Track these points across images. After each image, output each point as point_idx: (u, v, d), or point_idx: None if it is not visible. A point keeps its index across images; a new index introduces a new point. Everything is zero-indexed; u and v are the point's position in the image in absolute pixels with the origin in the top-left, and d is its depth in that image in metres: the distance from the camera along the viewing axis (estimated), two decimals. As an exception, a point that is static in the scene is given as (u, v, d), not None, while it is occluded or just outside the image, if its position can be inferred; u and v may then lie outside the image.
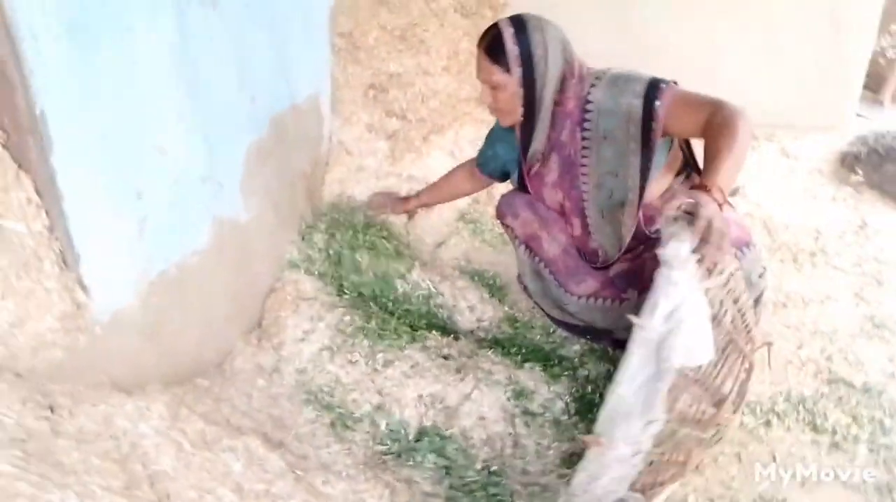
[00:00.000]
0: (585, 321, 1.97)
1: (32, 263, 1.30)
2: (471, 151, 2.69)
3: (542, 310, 2.09)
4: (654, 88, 1.63)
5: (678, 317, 1.22)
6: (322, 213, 2.25)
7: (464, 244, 2.42)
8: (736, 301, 1.43)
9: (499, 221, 2.07)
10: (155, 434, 1.33)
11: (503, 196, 2.04)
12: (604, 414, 1.29)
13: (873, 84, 3.94)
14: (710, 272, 1.28)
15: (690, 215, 1.29)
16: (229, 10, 1.71)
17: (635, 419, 1.27)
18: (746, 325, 1.51)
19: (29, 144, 1.25)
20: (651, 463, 1.37)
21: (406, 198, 2.30)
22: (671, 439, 1.39)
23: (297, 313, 1.91)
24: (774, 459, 1.73)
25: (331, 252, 2.12)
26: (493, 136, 2.05)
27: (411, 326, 1.93)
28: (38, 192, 1.29)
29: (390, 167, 2.46)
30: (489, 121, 2.74)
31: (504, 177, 2.11)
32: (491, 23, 2.84)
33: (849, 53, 3.37)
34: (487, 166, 2.11)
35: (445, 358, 1.85)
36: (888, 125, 3.61)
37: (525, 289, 2.09)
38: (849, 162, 3.32)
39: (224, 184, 1.76)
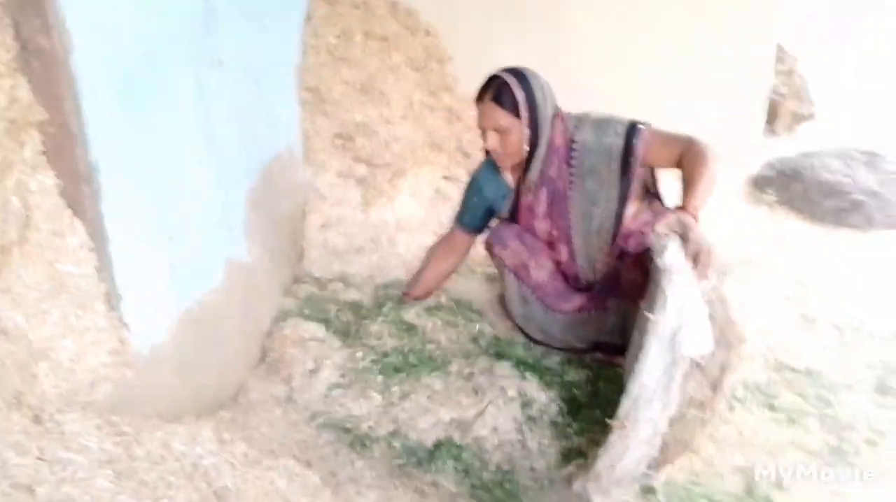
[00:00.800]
0: (566, 340, 2.18)
1: (87, 303, 1.40)
2: (429, 192, 2.90)
3: (525, 333, 2.26)
4: (633, 129, 1.94)
5: (686, 313, 1.46)
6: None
7: (435, 276, 2.60)
8: (722, 302, 1.67)
9: (488, 254, 2.23)
10: (210, 455, 1.43)
11: (492, 229, 2.23)
12: (627, 402, 1.49)
13: (769, 117, 4.43)
14: (700, 279, 1.55)
15: (680, 234, 1.61)
16: (230, 69, 1.87)
17: (656, 403, 1.48)
18: (731, 323, 1.76)
19: (82, 192, 1.37)
20: (664, 443, 1.58)
21: (416, 298, 2.29)
22: (681, 420, 1.60)
23: (304, 349, 2.02)
24: (742, 437, 1.96)
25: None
26: (477, 184, 2.20)
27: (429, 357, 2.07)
28: (89, 236, 1.40)
29: (363, 215, 2.63)
30: (443, 164, 2.99)
31: (484, 226, 2.26)
32: (439, 74, 3.13)
33: (751, 91, 3.81)
34: (471, 218, 2.23)
35: (466, 378, 1.98)
36: (787, 151, 4.08)
37: (509, 314, 2.27)
38: (761, 184, 3.74)
39: (233, 227, 1.89)
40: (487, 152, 2.15)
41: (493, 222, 2.26)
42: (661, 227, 1.61)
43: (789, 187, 3.61)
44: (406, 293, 2.31)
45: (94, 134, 1.32)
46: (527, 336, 2.26)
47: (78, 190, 1.36)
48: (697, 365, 1.56)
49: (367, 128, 2.70)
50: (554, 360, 2.21)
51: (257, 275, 2.04)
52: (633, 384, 1.47)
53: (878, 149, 3.92)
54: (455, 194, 2.98)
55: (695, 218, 1.66)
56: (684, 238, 1.60)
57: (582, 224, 2.07)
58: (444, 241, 2.31)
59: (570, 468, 1.75)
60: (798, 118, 4.83)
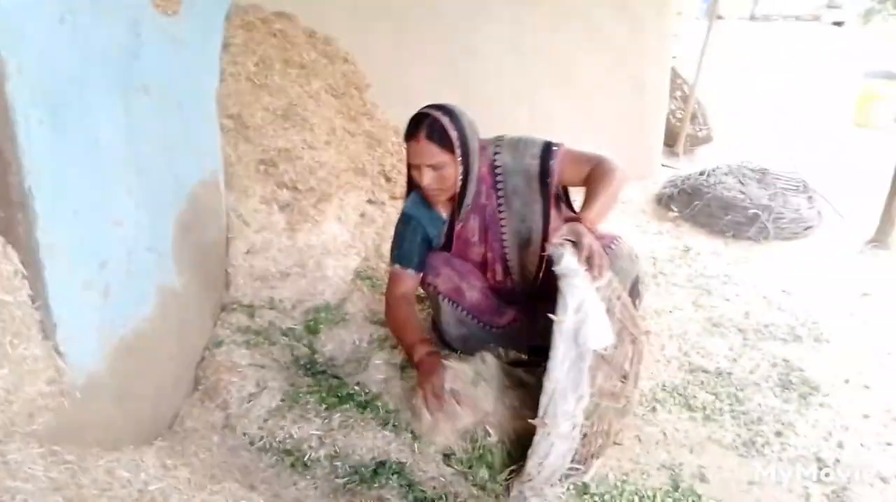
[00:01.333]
0: (506, 350, 2.26)
1: (22, 332, 1.37)
2: (354, 216, 2.94)
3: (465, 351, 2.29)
4: (547, 150, 2.04)
5: (584, 309, 1.58)
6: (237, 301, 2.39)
7: (365, 299, 2.63)
8: (619, 297, 1.80)
9: (422, 284, 2.21)
10: (156, 481, 1.41)
11: None
12: (544, 399, 1.58)
13: (669, 140, 4.71)
14: (595, 278, 1.68)
15: (572, 241, 1.72)
16: (155, 95, 1.87)
17: (569, 396, 1.58)
18: (632, 317, 1.88)
19: (17, 219, 1.34)
20: (584, 435, 1.67)
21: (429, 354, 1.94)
22: (596, 411, 1.70)
23: (239, 376, 2.01)
24: (665, 436, 2.09)
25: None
26: (415, 221, 2.16)
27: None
28: (23, 264, 1.37)
29: (289, 240, 2.63)
30: (367, 188, 3.04)
31: (423, 265, 2.18)
32: (358, 101, 3.19)
33: (650, 117, 4.06)
34: (419, 258, 2.14)
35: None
36: (686, 170, 4.36)
37: (442, 338, 2.30)
38: (665, 202, 3.98)
39: (163, 254, 1.87)
40: (411, 188, 2.17)
41: None
42: (556, 238, 1.72)
43: (690, 204, 3.86)
44: (419, 360, 1.94)
45: (29, 161, 1.30)
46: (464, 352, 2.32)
47: (12, 217, 1.33)
48: (603, 357, 1.67)
49: (290, 153, 2.72)
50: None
51: (188, 302, 2.02)
52: (547, 382, 1.56)
53: (767, 166, 4.24)
54: (379, 217, 3.03)
55: (589, 227, 1.76)
56: (578, 244, 1.71)
57: (515, 241, 2.16)
58: (401, 294, 2.10)
59: (504, 475, 1.82)
60: (696, 140, 5.16)
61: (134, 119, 1.72)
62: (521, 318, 2.23)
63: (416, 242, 2.15)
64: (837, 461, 2.01)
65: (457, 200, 2.10)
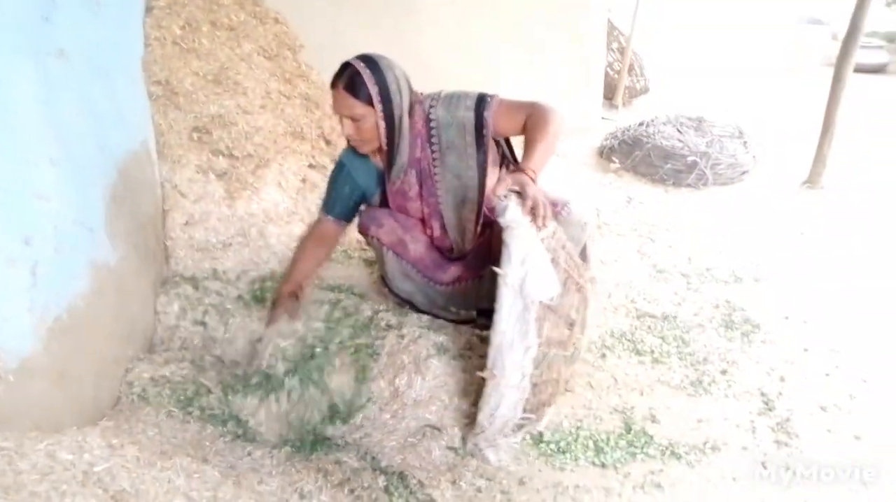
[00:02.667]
0: (454, 309, 2.25)
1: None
2: (295, 181, 2.87)
3: (412, 305, 2.31)
4: (482, 101, 2.01)
5: (529, 261, 1.58)
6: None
7: (310, 265, 2.58)
8: (564, 247, 1.80)
9: (363, 236, 2.24)
10: (101, 461, 1.37)
11: (363, 212, 2.23)
12: (492, 351, 1.59)
13: (608, 92, 4.73)
14: (539, 229, 1.67)
15: (517, 193, 1.71)
16: (73, 60, 1.77)
17: (517, 347, 1.59)
18: (577, 265, 1.89)
19: (-73, 196, 1.26)
20: (534, 384, 1.69)
21: (289, 294, 2.15)
22: (545, 360, 1.72)
23: (187, 349, 1.96)
24: (616, 380, 2.12)
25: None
26: (345, 171, 2.19)
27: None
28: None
29: (228, 209, 2.55)
30: (307, 152, 2.97)
31: (354, 214, 2.25)
32: (292, 63, 3.09)
33: (588, 69, 4.06)
34: (342, 207, 2.21)
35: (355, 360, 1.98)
36: (626, 121, 4.40)
37: (392, 292, 2.30)
38: (606, 154, 4.01)
39: (94, 228, 1.79)
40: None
41: (362, 207, 2.27)
42: (499, 190, 1.70)
43: (631, 154, 3.90)
44: (278, 293, 2.18)
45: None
46: (414, 308, 2.31)
47: (-79, 194, 1.26)
48: (549, 307, 1.67)
49: (223, 119, 2.62)
50: (447, 331, 2.27)
51: (125, 277, 1.95)
52: (494, 334, 1.57)
53: (704, 114, 4.31)
54: (321, 182, 2.96)
55: (531, 177, 1.75)
56: (522, 195, 1.70)
57: (450, 198, 2.14)
58: (313, 233, 2.26)
59: (457, 430, 1.82)
60: (634, 91, 5.20)
61: (51, 85, 1.62)
62: (465, 278, 2.21)
63: (342, 192, 2.21)
64: (780, 394, 2.08)
65: (387, 155, 2.07)
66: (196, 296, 2.23)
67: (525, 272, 1.58)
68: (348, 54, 3.17)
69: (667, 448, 1.85)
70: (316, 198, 2.90)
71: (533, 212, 1.68)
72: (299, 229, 2.75)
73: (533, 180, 1.76)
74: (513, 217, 1.63)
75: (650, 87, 5.36)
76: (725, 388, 2.11)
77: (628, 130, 4.12)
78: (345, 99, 1.96)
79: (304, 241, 2.27)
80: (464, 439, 1.78)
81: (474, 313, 2.24)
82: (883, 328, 2.46)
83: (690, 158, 3.77)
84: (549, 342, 1.71)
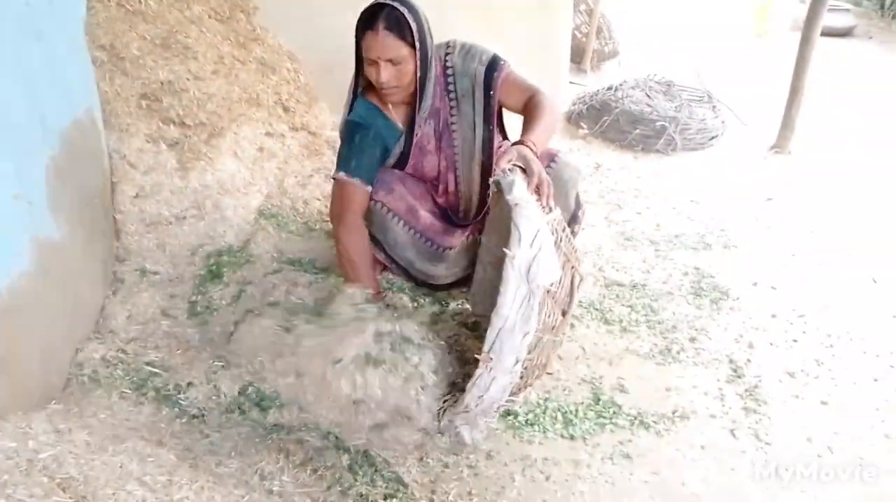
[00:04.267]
0: (452, 273, 2.21)
1: None
2: (252, 150, 2.76)
3: (408, 275, 2.24)
4: (495, 62, 2.01)
5: (538, 242, 1.51)
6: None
7: (271, 239, 2.49)
8: (563, 229, 1.75)
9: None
10: (47, 447, 1.30)
11: None
12: (491, 334, 1.52)
13: (575, 56, 4.65)
14: (543, 208, 1.62)
15: (520, 167, 1.66)
16: (7, 23, 1.65)
17: (517, 333, 1.53)
18: (574, 248, 1.84)
19: None
20: (524, 369, 1.64)
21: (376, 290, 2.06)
22: (538, 346, 1.66)
23: (142, 327, 1.88)
24: (584, 351, 2.09)
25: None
26: (372, 135, 2.02)
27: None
28: None
29: (181, 181, 2.44)
30: (263, 119, 2.85)
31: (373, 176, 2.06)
32: (246, 25, 2.96)
33: (555, 32, 3.95)
34: (369, 168, 2.02)
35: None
36: (595, 86, 4.33)
37: (390, 258, 2.18)
38: (574, 119, 3.95)
39: (34, 202, 1.68)
40: (356, 92, 2.06)
41: None
42: (504, 163, 1.64)
43: (600, 119, 3.85)
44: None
45: None
46: (410, 278, 2.26)
47: None
48: (548, 292, 1.62)
49: (174, 86, 2.48)
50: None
51: (72, 253, 1.85)
52: (496, 318, 1.50)
53: (673, 78, 4.26)
54: (279, 151, 2.86)
55: (532, 150, 1.71)
56: (526, 171, 1.65)
57: (465, 149, 2.11)
58: (360, 214, 2.01)
59: (436, 405, 1.77)
60: (602, 55, 5.13)
61: (-21, 52, 1.51)
62: (468, 237, 2.19)
63: (375, 156, 2.04)
64: (749, 361, 2.08)
65: (417, 102, 2.00)
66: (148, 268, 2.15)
67: (533, 255, 1.51)
68: (306, 16, 3.05)
69: (635, 418, 1.83)
70: (274, 167, 2.80)
71: (538, 191, 1.64)
72: (257, 201, 2.65)
73: (535, 154, 1.71)
74: (520, 194, 1.57)
75: (619, 50, 5.28)
76: (694, 356, 2.09)
77: (596, 95, 4.06)
78: (387, 40, 1.85)
79: (360, 229, 2.03)
80: (438, 415, 1.73)
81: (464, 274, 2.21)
82: (849, 293, 2.46)
83: (659, 123, 3.73)
84: (544, 328, 1.67)
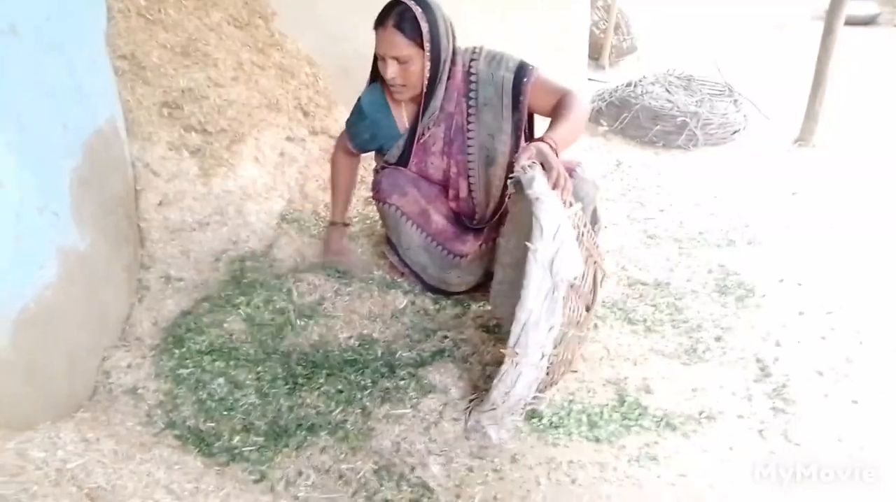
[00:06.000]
0: (465, 281, 2.22)
1: None
2: (273, 155, 2.77)
3: (420, 280, 2.26)
4: (523, 68, 2.00)
5: (560, 236, 1.51)
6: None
7: (294, 243, 2.50)
8: (585, 224, 1.74)
9: (380, 202, 2.16)
10: (75, 457, 1.32)
11: (384, 176, 2.15)
12: (516, 328, 1.53)
13: (594, 52, 4.62)
14: (565, 203, 1.61)
15: (540, 164, 1.65)
16: (27, 36, 1.67)
17: (542, 326, 1.54)
18: (595, 243, 1.83)
19: None
20: (550, 364, 1.64)
21: (339, 225, 2.41)
22: (563, 341, 1.66)
23: (169, 333, 1.90)
24: (608, 351, 2.07)
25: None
26: (366, 123, 2.16)
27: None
28: None
29: (204, 187, 2.45)
30: (283, 124, 2.87)
31: (364, 151, 2.30)
32: (265, 31, 2.98)
33: (572, 29, 3.92)
34: (357, 141, 2.25)
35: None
36: (614, 82, 4.30)
37: (403, 262, 2.25)
38: (594, 116, 3.92)
39: (59, 213, 1.70)
40: (374, 78, 2.11)
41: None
42: (523, 160, 1.64)
43: (619, 116, 3.81)
44: (334, 222, 2.40)
45: None
46: (421, 281, 2.27)
47: None
48: (572, 286, 1.62)
49: (194, 93, 2.50)
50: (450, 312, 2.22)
51: (96, 262, 1.87)
52: (520, 312, 1.51)
53: (693, 72, 4.21)
54: (300, 155, 2.88)
55: (553, 148, 1.70)
56: (545, 166, 1.64)
57: (482, 156, 2.10)
58: (346, 159, 2.33)
59: (464, 404, 1.77)
60: (621, 51, 5.09)
61: (3, 65, 1.52)
62: (482, 244, 2.18)
63: (362, 136, 2.21)
64: (776, 360, 2.04)
65: (423, 102, 2.01)
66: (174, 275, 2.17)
67: (556, 248, 1.52)
68: (323, 21, 3.05)
69: (661, 419, 1.81)
70: (295, 172, 2.81)
71: (555, 185, 1.63)
72: (279, 206, 2.67)
73: (555, 152, 1.71)
74: (540, 188, 1.57)
75: (637, 45, 5.24)
76: (720, 355, 2.07)
77: (615, 91, 4.02)
78: (393, 37, 1.89)
79: (341, 163, 2.34)
80: (465, 416, 1.73)
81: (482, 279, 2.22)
82: (878, 288, 2.42)
83: (680, 119, 3.69)
84: (569, 322, 1.66)
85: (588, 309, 1.80)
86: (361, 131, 2.19)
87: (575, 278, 1.59)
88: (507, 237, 2.03)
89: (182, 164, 2.45)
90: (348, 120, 2.23)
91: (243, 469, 1.57)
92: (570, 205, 1.65)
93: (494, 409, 1.64)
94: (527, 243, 1.50)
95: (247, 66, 2.80)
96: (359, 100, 2.16)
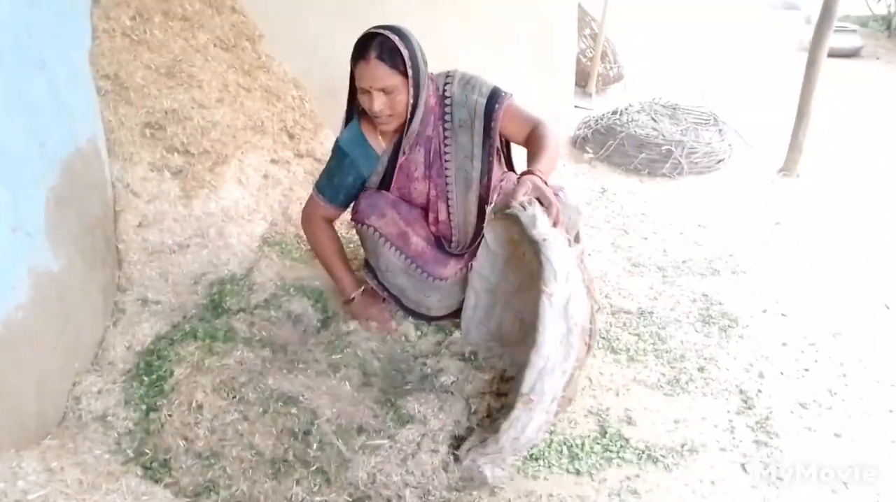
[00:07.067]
0: (445, 306, 2.19)
1: None
2: (256, 178, 2.75)
3: (400, 304, 2.24)
4: (496, 94, 2.01)
5: (571, 278, 1.50)
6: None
7: (274, 266, 2.47)
8: (582, 261, 1.72)
9: (359, 223, 2.12)
10: (37, 488, 1.27)
11: (363, 197, 2.12)
12: (531, 374, 1.51)
13: (580, 80, 4.65)
14: (569, 243, 1.62)
15: (536, 199, 1.66)
16: (7, 53, 1.65)
17: (557, 372, 1.52)
18: (591, 279, 1.81)
19: None
20: (558, 406, 1.61)
21: (363, 293, 2.24)
22: (571, 382, 1.63)
23: (144, 357, 1.85)
24: (591, 381, 2.05)
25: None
26: (348, 159, 2.08)
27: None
28: None
29: (185, 209, 2.42)
30: (268, 147, 2.85)
31: (349, 201, 2.17)
32: (251, 54, 2.97)
33: (560, 57, 3.95)
34: (341, 197, 2.14)
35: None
36: (600, 110, 4.32)
37: (381, 285, 2.22)
38: (579, 143, 3.93)
39: (32, 233, 1.67)
40: (349, 117, 2.10)
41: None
42: (520, 196, 1.64)
43: (605, 144, 3.83)
44: (346, 300, 2.23)
45: None
46: (402, 306, 2.25)
47: None
48: (581, 327, 1.60)
49: (178, 114, 2.48)
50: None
51: (71, 284, 1.83)
52: (536, 358, 1.49)
53: (678, 101, 4.24)
54: (284, 178, 2.85)
55: (544, 181, 1.72)
56: (542, 202, 1.64)
57: (460, 178, 2.09)
58: (324, 224, 2.21)
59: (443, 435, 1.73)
60: (607, 79, 5.12)
61: (-21, 83, 1.50)
62: (461, 269, 2.16)
63: (346, 182, 2.12)
64: (759, 391, 2.03)
65: (407, 127, 2.00)
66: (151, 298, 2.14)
67: (570, 291, 1.51)
68: (311, 44, 3.06)
69: (643, 451, 1.78)
70: (279, 194, 2.79)
71: (555, 222, 1.64)
72: (261, 228, 2.64)
73: (545, 183, 1.72)
74: (545, 228, 1.56)
75: (624, 74, 5.28)
76: (703, 386, 2.05)
77: (601, 119, 4.05)
78: (377, 69, 1.86)
79: (322, 228, 2.21)
80: (455, 455, 1.68)
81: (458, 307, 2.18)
82: (862, 320, 2.41)
83: (665, 147, 3.71)
84: (578, 364, 1.64)
85: (588, 346, 1.77)
86: (345, 176, 2.11)
87: (585, 320, 1.58)
88: (481, 262, 2.02)
89: (163, 185, 2.42)
90: (323, 181, 2.14)
91: (213, 501, 1.53)
92: (571, 243, 1.64)
93: (501, 453, 1.60)
94: (544, 286, 1.49)
95: (232, 87, 2.78)
96: (336, 143, 2.11)
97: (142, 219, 2.34)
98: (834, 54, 4.84)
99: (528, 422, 1.55)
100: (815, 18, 3.75)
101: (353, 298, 2.21)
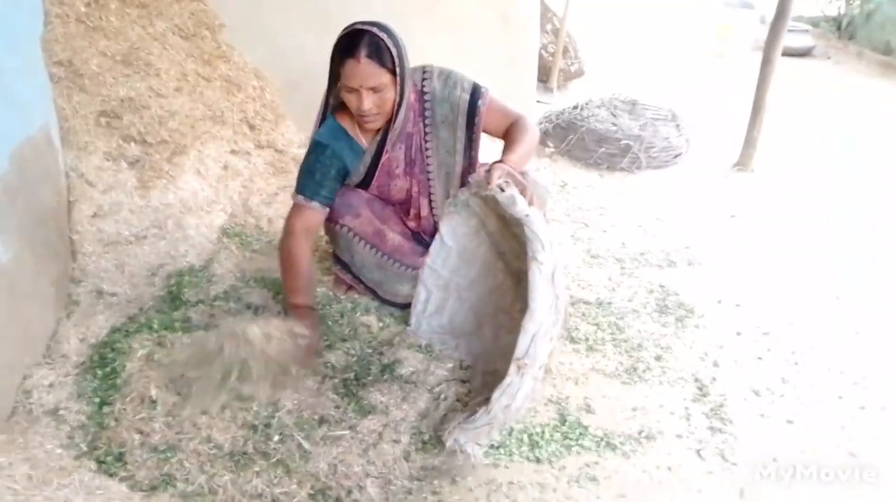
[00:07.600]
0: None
1: None
2: (216, 169, 2.71)
3: (376, 295, 2.23)
4: (477, 90, 2.02)
5: (554, 250, 1.59)
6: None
7: (234, 258, 2.43)
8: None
9: (332, 223, 2.08)
10: (-15, 483, 1.24)
11: (337, 196, 2.05)
12: (525, 340, 1.57)
13: (542, 75, 4.68)
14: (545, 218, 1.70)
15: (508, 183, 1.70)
16: (-48, 38, 1.60)
17: (546, 337, 1.59)
18: (560, 255, 1.86)
19: None
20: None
21: (304, 318, 1.91)
22: (553, 350, 1.72)
23: (97, 350, 1.81)
24: (550, 370, 2.07)
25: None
26: (330, 151, 2.00)
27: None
28: None
29: (142, 200, 2.37)
30: (228, 137, 2.81)
31: (332, 197, 2.04)
32: (211, 43, 2.92)
33: (522, 51, 3.97)
34: (329, 191, 2.01)
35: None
36: (561, 105, 4.36)
37: (357, 279, 2.22)
38: (541, 138, 3.95)
39: (-21, 223, 1.62)
40: (324, 116, 2.06)
41: None
42: (496, 178, 1.68)
43: (566, 138, 3.87)
44: (295, 305, 1.97)
45: None
46: (379, 298, 2.24)
47: None
48: (559, 298, 1.66)
49: (135, 103, 2.43)
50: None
51: (20, 277, 1.78)
52: (530, 324, 1.55)
53: (637, 97, 4.30)
54: (244, 169, 2.82)
55: (516, 169, 1.77)
56: (517, 186, 1.69)
57: (441, 174, 2.11)
58: (301, 228, 1.98)
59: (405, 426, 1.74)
60: (569, 74, 5.17)
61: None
62: None
63: (330, 174, 2.01)
64: (714, 379, 2.07)
65: (392, 124, 1.99)
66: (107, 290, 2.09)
67: (554, 262, 1.59)
68: (272, 34, 3.02)
69: (602, 439, 1.81)
70: (239, 185, 2.75)
71: (530, 204, 1.67)
72: (220, 219, 2.60)
73: (517, 170, 1.77)
74: (524, 207, 1.62)
75: (585, 69, 5.33)
76: (660, 375, 2.09)
77: (562, 114, 4.08)
78: (368, 68, 1.82)
79: (294, 239, 1.97)
80: (439, 436, 1.71)
81: None
82: (814, 311, 2.48)
83: (624, 142, 3.76)
84: (561, 331, 1.70)
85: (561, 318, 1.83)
86: (321, 168, 1.99)
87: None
88: (434, 257, 2.04)
89: (119, 176, 2.37)
90: (302, 180, 2.00)
91: (171, 494, 1.50)
92: (548, 220, 1.72)
93: (490, 424, 1.63)
94: (534, 257, 1.56)
95: (191, 77, 2.74)
96: (313, 139, 2.03)
97: (97, 210, 2.29)
98: (787, 53, 4.97)
99: (519, 388, 1.59)
100: (770, 18, 3.83)
101: (302, 306, 1.98)
